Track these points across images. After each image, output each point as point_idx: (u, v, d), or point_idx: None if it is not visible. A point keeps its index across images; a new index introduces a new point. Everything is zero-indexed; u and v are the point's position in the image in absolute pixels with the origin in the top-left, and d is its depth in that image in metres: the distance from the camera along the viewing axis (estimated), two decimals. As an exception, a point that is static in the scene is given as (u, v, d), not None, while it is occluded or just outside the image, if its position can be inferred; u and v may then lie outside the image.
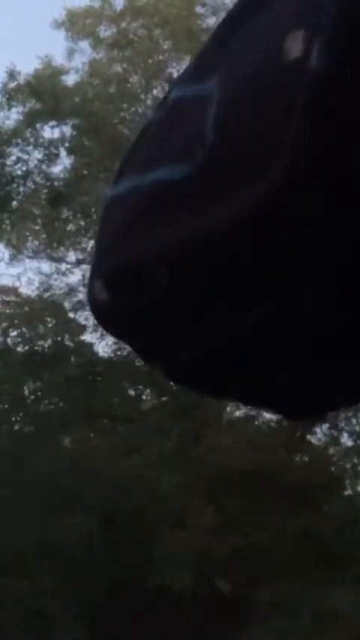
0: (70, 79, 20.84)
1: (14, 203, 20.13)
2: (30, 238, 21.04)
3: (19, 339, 19.86)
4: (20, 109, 20.39)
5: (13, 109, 20.29)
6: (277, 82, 0.73)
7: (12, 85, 20.12)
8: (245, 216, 0.73)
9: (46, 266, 21.41)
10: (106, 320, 0.87)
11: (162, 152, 0.81)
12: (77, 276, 21.20)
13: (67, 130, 20.54)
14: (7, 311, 20.33)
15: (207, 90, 0.79)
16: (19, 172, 20.39)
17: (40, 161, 20.48)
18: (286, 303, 0.77)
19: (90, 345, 20.37)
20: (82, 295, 21.20)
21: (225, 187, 0.75)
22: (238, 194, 0.74)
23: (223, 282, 0.77)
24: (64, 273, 21.23)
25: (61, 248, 20.89)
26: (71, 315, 20.90)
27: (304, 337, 0.79)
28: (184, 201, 0.78)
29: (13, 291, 20.75)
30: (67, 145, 20.55)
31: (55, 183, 20.40)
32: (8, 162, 20.33)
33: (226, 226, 0.74)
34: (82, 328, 20.72)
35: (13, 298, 20.64)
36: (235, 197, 0.74)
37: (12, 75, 20.03)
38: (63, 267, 21.27)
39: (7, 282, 20.88)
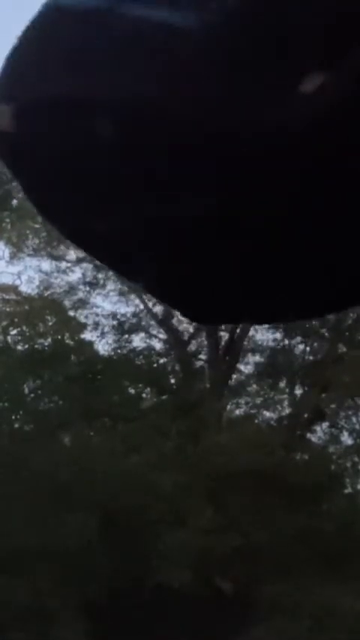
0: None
1: (14, 201, 20.11)
2: (30, 237, 21.03)
3: (19, 338, 19.85)
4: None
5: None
6: None
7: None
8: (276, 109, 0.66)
9: (46, 264, 21.42)
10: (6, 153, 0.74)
11: None
12: (77, 274, 21.22)
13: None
14: (7, 309, 20.32)
15: None
16: (19, 171, 20.36)
17: (40, 159, 20.45)
18: (229, 204, 0.71)
19: (90, 344, 20.37)
20: (82, 294, 21.22)
21: (243, 58, 0.66)
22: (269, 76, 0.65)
23: (174, 163, 0.69)
24: (64, 272, 21.25)
25: (61, 246, 20.86)
26: (71, 313, 20.90)
27: (237, 240, 0.74)
28: (177, 53, 0.68)
29: (13, 289, 20.74)
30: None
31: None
32: (8, 161, 20.31)
33: (228, 105, 0.66)
34: (83, 327, 20.72)
35: (13, 296, 20.63)
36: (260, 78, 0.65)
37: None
38: (63, 265, 21.28)
39: (7, 280, 20.90)
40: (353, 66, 0.65)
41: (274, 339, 20.88)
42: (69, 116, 0.70)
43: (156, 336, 21.14)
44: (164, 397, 19.79)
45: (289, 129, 0.67)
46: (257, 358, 21.21)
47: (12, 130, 0.71)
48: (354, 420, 20.28)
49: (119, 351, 20.75)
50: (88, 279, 21.11)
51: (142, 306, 21.03)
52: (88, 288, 21.17)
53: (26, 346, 19.58)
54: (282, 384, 20.96)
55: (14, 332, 19.88)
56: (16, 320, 19.82)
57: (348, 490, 19.31)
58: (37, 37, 0.72)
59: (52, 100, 0.70)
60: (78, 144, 0.71)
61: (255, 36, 0.66)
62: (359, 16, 0.66)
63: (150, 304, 20.39)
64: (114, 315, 20.99)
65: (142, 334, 21.06)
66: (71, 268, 21.20)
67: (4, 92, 0.72)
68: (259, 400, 21.05)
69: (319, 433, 20.22)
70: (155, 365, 20.54)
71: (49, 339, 19.75)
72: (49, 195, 0.76)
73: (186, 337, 20.91)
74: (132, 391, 20.03)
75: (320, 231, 0.73)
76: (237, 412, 21.09)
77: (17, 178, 0.76)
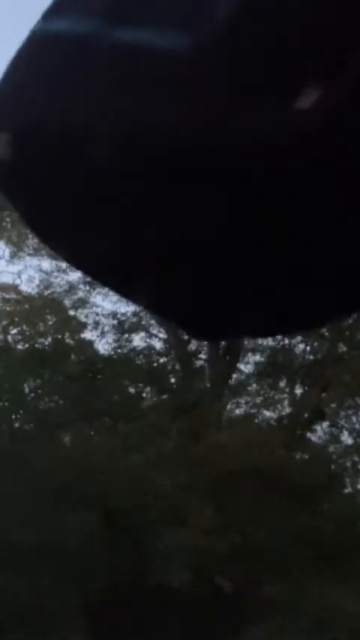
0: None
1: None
2: (30, 236, 21.00)
3: (20, 337, 19.85)
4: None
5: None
6: None
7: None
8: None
9: (46, 264, 21.39)
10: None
11: (147, 8, 0.68)
12: (78, 273, 21.20)
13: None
14: (8, 308, 20.32)
15: None
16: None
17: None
18: (240, 222, 0.70)
19: (90, 343, 20.36)
20: (82, 293, 21.21)
21: (237, 78, 0.65)
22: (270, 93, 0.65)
23: (172, 184, 0.69)
24: (64, 271, 21.22)
25: (62, 246, 20.86)
26: (71, 312, 20.89)
27: (237, 258, 0.73)
28: (168, 77, 0.67)
29: (14, 288, 20.74)
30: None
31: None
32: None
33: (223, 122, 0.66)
34: (83, 326, 20.71)
35: (13, 296, 20.63)
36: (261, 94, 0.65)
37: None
38: (63, 264, 21.26)
39: (7, 279, 20.89)
40: (353, 70, 0.65)
41: (274, 339, 20.88)
42: (64, 141, 0.70)
43: (156, 336, 21.15)
44: (164, 396, 19.79)
45: (289, 139, 0.66)
46: (257, 358, 21.22)
47: (7, 156, 0.71)
48: (354, 419, 20.28)
49: (119, 350, 20.74)
50: (88, 279, 21.10)
51: (142, 306, 21.03)
52: (88, 288, 21.17)
53: (26, 345, 19.59)
54: (282, 384, 20.96)
55: (14, 331, 19.89)
56: (16, 319, 19.82)
57: (348, 490, 19.32)
58: (27, 63, 0.72)
59: (46, 125, 0.70)
60: (74, 169, 0.70)
61: (246, 54, 0.66)
62: (358, 19, 0.65)
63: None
64: (114, 315, 20.99)
65: (143, 333, 21.06)
66: (71, 267, 21.19)
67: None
68: (259, 399, 21.05)
69: (319, 433, 20.23)
70: (155, 364, 20.54)
71: (50, 339, 19.75)
72: (46, 220, 0.75)
73: (186, 337, 20.91)
74: (132, 391, 20.02)
75: (323, 240, 0.72)
76: (237, 412, 21.09)
77: (14, 204, 0.76)
